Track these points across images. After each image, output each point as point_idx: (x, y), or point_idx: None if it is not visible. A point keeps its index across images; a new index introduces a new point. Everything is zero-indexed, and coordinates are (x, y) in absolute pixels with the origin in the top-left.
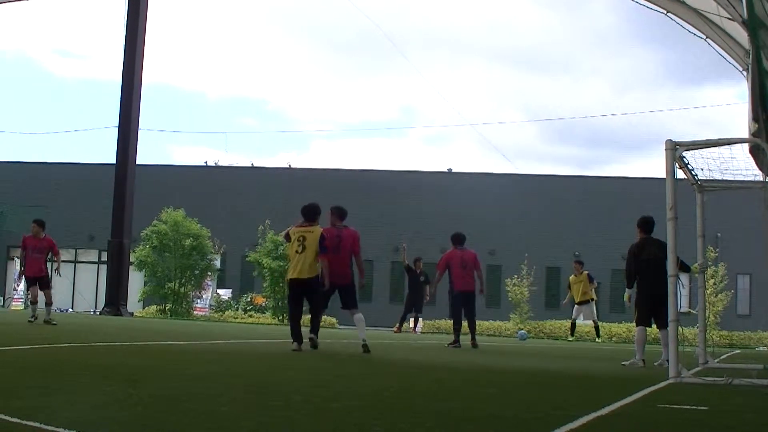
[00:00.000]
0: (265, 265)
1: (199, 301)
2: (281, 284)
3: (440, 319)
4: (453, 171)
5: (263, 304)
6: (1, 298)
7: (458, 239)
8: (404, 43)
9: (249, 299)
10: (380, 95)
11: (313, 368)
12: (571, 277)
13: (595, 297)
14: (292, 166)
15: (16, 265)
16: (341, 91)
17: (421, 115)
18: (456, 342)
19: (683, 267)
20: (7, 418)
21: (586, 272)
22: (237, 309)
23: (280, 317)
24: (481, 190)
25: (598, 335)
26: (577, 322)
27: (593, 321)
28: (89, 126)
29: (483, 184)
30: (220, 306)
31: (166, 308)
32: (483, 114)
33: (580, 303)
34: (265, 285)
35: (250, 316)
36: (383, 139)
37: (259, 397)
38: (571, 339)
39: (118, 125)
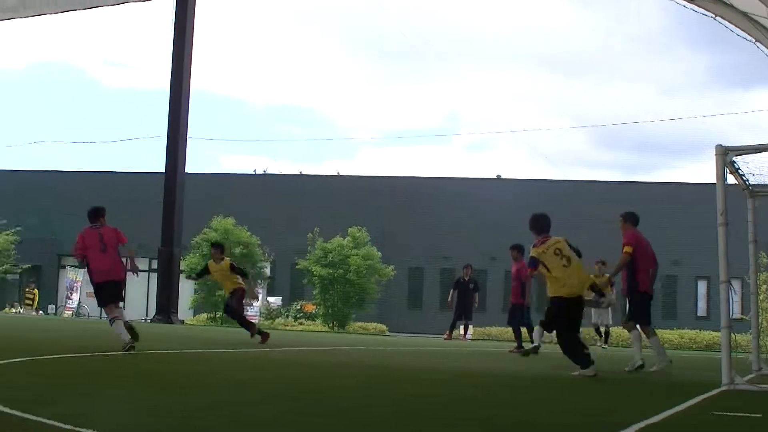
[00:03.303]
0: (315, 272)
1: (249, 308)
2: (331, 292)
3: (490, 326)
4: (501, 177)
5: (313, 312)
6: (54, 306)
7: (521, 250)
8: (448, 50)
9: (299, 307)
10: (425, 102)
11: (359, 376)
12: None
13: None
14: (341, 174)
15: (68, 274)
16: (386, 98)
17: (466, 121)
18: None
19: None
20: (52, 422)
21: (607, 275)
22: (287, 316)
23: (331, 324)
24: (528, 196)
25: (606, 341)
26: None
27: (606, 325)
28: (138, 135)
29: (530, 191)
30: (270, 314)
31: (217, 316)
32: (529, 120)
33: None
34: (315, 292)
35: (301, 323)
36: (428, 146)
37: (300, 404)
38: (605, 346)
39: (166, 134)
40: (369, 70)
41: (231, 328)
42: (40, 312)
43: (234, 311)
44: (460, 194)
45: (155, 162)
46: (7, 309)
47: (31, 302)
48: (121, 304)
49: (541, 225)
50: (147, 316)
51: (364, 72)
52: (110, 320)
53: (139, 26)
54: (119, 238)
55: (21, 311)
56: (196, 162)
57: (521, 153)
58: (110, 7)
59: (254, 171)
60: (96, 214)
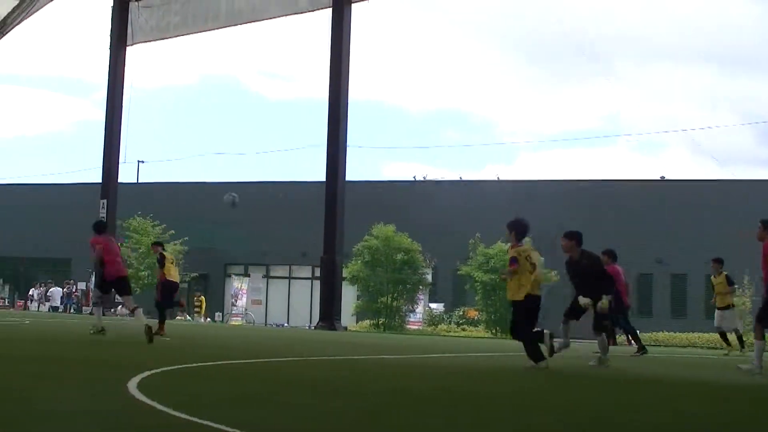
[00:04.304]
0: (477, 278)
1: (411, 315)
2: (493, 297)
3: (657, 331)
4: (665, 179)
5: (476, 318)
6: (221, 313)
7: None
8: (607, 50)
9: (461, 313)
10: (582, 104)
11: (521, 382)
12: (711, 278)
13: (733, 303)
14: (501, 179)
15: (234, 282)
16: (543, 100)
17: (626, 122)
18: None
19: None
20: (228, 428)
21: (725, 273)
22: (450, 322)
23: (494, 330)
24: (693, 197)
25: (742, 346)
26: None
27: (735, 331)
28: (298, 145)
29: (695, 192)
30: (432, 320)
31: (380, 322)
32: (694, 119)
33: (720, 308)
34: (477, 298)
35: (463, 329)
36: (589, 148)
37: (456, 411)
38: (730, 353)
39: (326, 143)
40: (527, 72)
41: (393, 334)
42: (208, 319)
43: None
44: (622, 196)
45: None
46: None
47: (199, 309)
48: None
49: (525, 231)
50: (311, 323)
51: (522, 74)
52: (133, 310)
53: (298, 38)
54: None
55: (190, 319)
56: (357, 170)
57: (686, 153)
58: (268, 20)
59: (414, 178)
60: (106, 226)
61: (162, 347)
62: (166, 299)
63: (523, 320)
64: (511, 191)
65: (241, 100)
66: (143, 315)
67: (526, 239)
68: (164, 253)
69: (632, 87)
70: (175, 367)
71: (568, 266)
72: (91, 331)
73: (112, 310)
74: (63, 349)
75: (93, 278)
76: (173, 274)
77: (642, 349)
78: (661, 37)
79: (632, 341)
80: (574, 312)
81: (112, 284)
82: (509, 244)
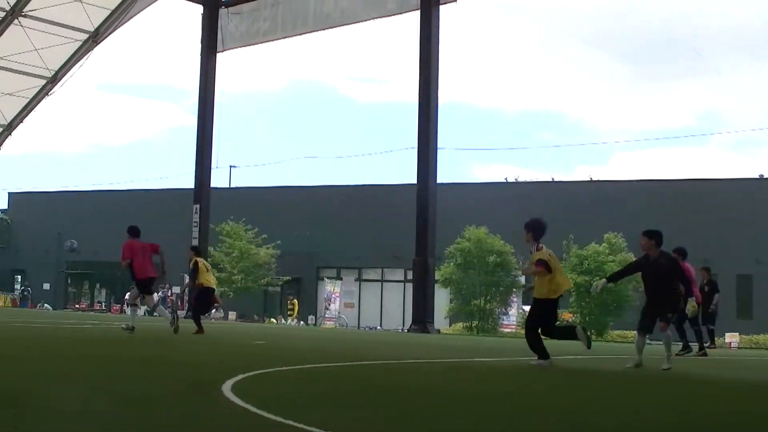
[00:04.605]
0: (571, 280)
1: (505, 317)
2: (587, 299)
3: (758, 334)
4: (764, 177)
5: (570, 320)
6: (314, 316)
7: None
8: (703, 46)
9: None
10: (675, 102)
11: (621, 387)
12: None
13: None
14: (593, 179)
15: (326, 286)
16: (636, 99)
17: (724, 119)
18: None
19: None
20: (309, 427)
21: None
22: None
23: (589, 333)
24: None
25: None
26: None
27: None
28: (389, 148)
29: None
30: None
31: (473, 325)
32: None
33: None
34: (571, 300)
35: None
36: (681, 147)
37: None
38: None
39: (417, 146)
40: (618, 70)
41: (486, 337)
42: (301, 322)
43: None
44: (719, 195)
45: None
46: (268, 320)
47: (291, 313)
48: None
49: (543, 231)
50: (403, 326)
51: (613, 72)
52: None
53: (386, 41)
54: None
55: (284, 322)
56: (449, 172)
57: None
58: (357, 24)
59: (505, 179)
60: (138, 231)
61: (255, 351)
62: (202, 305)
63: (537, 319)
64: (604, 192)
65: (331, 104)
66: (164, 309)
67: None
68: (198, 260)
69: (730, 83)
70: (269, 370)
71: (644, 266)
72: (123, 327)
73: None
74: (156, 351)
75: (186, 282)
76: (209, 279)
77: (686, 348)
78: (760, 33)
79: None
80: (649, 323)
81: (145, 283)
82: (533, 246)
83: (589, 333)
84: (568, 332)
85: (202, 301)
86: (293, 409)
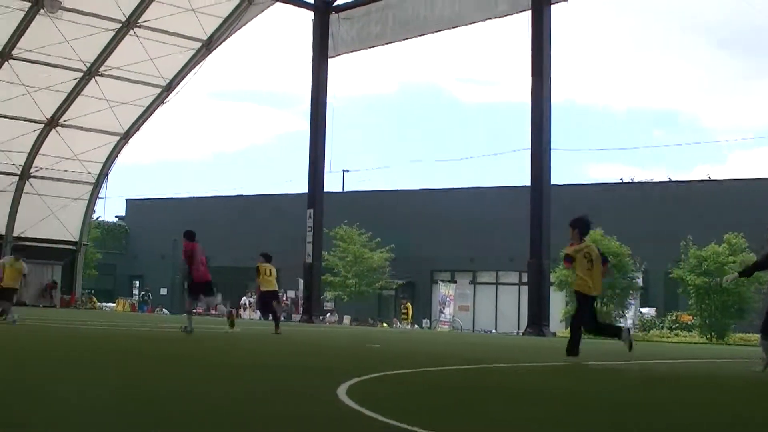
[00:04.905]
0: (690, 281)
1: (622, 320)
2: (707, 301)
3: None
4: None
5: (690, 323)
6: (428, 320)
7: None
8: None
9: (674, 317)
10: None
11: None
12: None
13: None
14: (712, 178)
15: (441, 289)
16: (755, 96)
17: None
18: None
19: None
20: (417, 429)
21: None
22: (662, 328)
23: (709, 336)
24: None
25: None
26: None
27: None
28: (500, 150)
29: None
30: (644, 325)
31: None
32: None
33: None
34: (690, 302)
35: (676, 335)
36: None
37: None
38: None
39: (530, 147)
40: (735, 66)
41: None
42: (416, 326)
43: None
44: None
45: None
46: (382, 324)
47: (405, 316)
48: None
49: (588, 228)
50: (519, 329)
51: (730, 69)
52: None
53: (496, 42)
54: None
55: (398, 326)
56: (561, 173)
57: None
58: (467, 26)
59: (621, 179)
60: (194, 235)
61: (369, 354)
62: (265, 307)
63: (582, 313)
64: (723, 191)
65: (441, 107)
66: (224, 308)
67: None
68: (261, 265)
69: None
70: (383, 373)
71: None
72: (182, 328)
73: (321, 318)
74: (272, 356)
75: (301, 287)
76: (270, 282)
77: None
78: None
79: None
80: None
81: (199, 288)
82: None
83: (632, 338)
84: (613, 331)
85: (264, 302)
86: (408, 412)
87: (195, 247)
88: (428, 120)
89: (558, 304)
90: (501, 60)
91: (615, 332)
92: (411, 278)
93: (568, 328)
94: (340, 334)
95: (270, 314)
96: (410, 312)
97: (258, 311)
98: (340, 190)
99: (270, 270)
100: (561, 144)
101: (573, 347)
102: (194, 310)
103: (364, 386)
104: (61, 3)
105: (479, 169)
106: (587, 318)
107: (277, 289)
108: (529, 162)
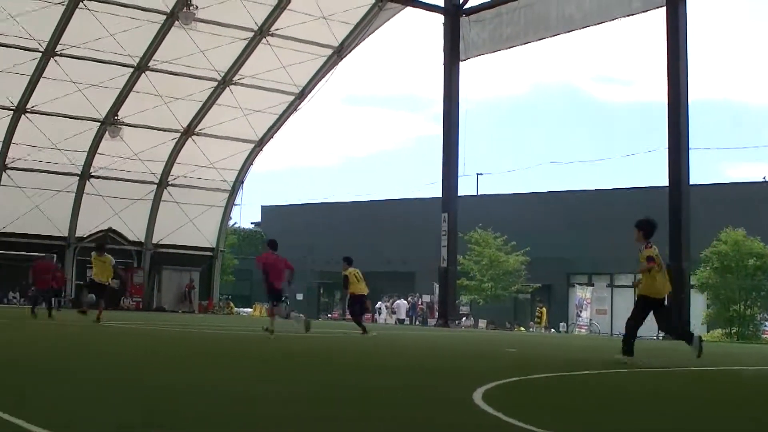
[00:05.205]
0: None
1: (767, 323)
2: None
3: None
4: None
5: None
6: (565, 323)
7: None
8: None
9: None
10: None
11: None
12: None
13: None
14: None
15: (577, 292)
16: None
17: None
18: None
19: None
20: None
21: None
22: None
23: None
24: None
25: None
26: None
27: None
28: (637, 150)
29: None
30: None
31: (732, 331)
32: None
33: None
34: None
35: None
36: None
37: None
38: None
39: (667, 147)
40: None
41: (747, 344)
42: (552, 330)
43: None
44: None
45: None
46: (518, 328)
47: (539, 320)
48: None
49: (653, 231)
50: (658, 332)
51: None
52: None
53: (630, 40)
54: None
55: (532, 330)
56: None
57: None
58: (600, 25)
59: (763, 178)
60: (276, 244)
61: (503, 358)
62: (355, 311)
63: (638, 315)
64: None
65: (576, 107)
66: (297, 313)
67: None
68: (349, 271)
69: None
70: (519, 378)
71: None
72: (264, 328)
73: (457, 322)
74: (408, 359)
75: (436, 291)
76: (359, 287)
77: None
78: None
79: None
80: None
81: (280, 293)
82: (642, 245)
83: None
84: (687, 336)
85: (354, 307)
86: (546, 417)
87: (268, 255)
88: (563, 120)
89: (699, 306)
90: (636, 58)
91: (687, 337)
92: (547, 281)
93: (707, 332)
94: (475, 338)
95: (360, 317)
96: (544, 316)
97: (351, 314)
98: (474, 194)
99: (358, 274)
100: (700, 142)
101: (628, 347)
102: (296, 314)
103: (501, 391)
104: (195, 15)
105: (616, 169)
106: (641, 321)
107: (366, 293)
108: (666, 162)
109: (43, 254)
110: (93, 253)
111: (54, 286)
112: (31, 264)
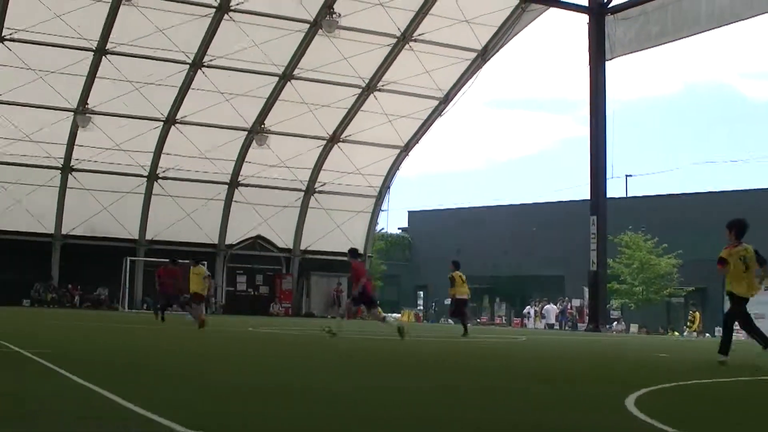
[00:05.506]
0: None
1: None
2: None
3: None
4: None
5: None
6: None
7: None
8: None
9: None
10: None
11: None
12: None
13: None
14: None
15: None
16: None
17: None
18: None
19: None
20: None
21: None
22: None
23: None
24: None
25: None
26: None
27: None
28: None
29: None
30: None
31: None
32: None
33: None
34: None
35: None
36: None
37: None
38: None
39: None
40: None
41: None
42: (707, 335)
43: None
44: None
45: None
46: (671, 333)
47: (692, 325)
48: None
49: (744, 231)
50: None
51: None
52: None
53: None
54: None
55: (684, 335)
56: None
57: None
58: (751, 19)
59: None
60: (359, 253)
61: (657, 364)
62: (456, 312)
63: (733, 312)
64: None
65: (728, 105)
66: (391, 320)
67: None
68: (455, 273)
69: None
70: (672, 384)
71: None
72: (326, 329)
73: (608, 327)
74: (558, 362)
75: (586, 295)
76: (462, 290)
77: None
78: None
79: None
80: None
81: (363, 299)
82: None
83: None
84: (762, 338)
85: (457, 308)
86: (702, 426)
87: (357, 264)
88: (717, 119)
89: None
90: None
91: (763, 340)
92: (702, 284)
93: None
94: (627, 343)
95: (461, 319)
96: (698, 320)
97: (451, 317)
98: (624, 196)
99: (462, 278)
100: None
101: (724, 346)
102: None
103: (654, 397)
104: (338, 22)
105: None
106: (738, 318)
107: (468, 296)
108: None
109: (167, 260)
110: (191, 267)
111: (171, 292)
112: (155, 270)
